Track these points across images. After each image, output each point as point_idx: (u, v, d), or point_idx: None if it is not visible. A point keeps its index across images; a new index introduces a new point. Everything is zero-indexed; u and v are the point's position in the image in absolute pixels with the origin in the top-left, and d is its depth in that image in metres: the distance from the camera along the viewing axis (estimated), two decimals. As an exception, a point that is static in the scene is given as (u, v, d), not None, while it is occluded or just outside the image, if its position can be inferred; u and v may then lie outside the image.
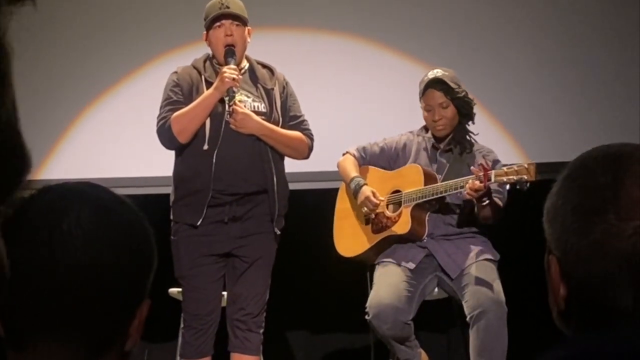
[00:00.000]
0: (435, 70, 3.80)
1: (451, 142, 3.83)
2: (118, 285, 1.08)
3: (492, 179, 3.45)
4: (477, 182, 3.45)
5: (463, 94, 3.77)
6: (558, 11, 4.86)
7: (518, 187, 3.41)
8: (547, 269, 1.12)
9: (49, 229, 1.06)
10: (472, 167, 3.54)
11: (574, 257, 1.06)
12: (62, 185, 1.13)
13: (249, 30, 3.64)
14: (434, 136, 3.86)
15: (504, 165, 3.53)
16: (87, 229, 1.07)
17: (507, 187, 3.49)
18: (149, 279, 1.13)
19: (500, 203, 3.65)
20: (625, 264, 1.03)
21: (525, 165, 3.39)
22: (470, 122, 3.83)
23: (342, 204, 4.04)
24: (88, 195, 1.11)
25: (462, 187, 3.56)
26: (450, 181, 3.65)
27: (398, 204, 3.81)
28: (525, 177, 3.37)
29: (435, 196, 3.68)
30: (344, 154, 3.99)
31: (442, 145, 3.85)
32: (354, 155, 3.94)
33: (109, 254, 1.07)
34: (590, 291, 1.06)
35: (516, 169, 3.41)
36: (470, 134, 3.84)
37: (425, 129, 3.91)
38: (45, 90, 4.92)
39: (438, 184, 3.70)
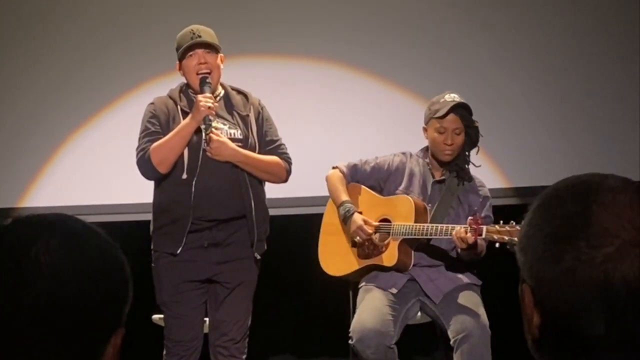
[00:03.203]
0: (452, 95, 3.77)
1: (448, 171, 3.81)
2: (88, 314, 1.07)
3: (484, 235, 3.44)
4: (468, 234, 3.45)
5: (477, 124, 3.77)
6: (540, 38, 4.90)
7: (508, 247, 3.39)
8: (521, 298, 1.12)
9: (18, 258, 1.06)
10: (469, 218, 3.51)
11: (547, 285, 1.07)
12: (33, 216, 1.13)
13: (221, 57, 3.67)
14: (432, 161, 3.84)
15: (497, 222, 3.49)
16: (55, 256, 1.06)
17: (497, 245, 3.47)
18: (123, 309, 1.12)
19: (484, 243, 3.61)
20: (597, 291, 1.04)
21: (518, 227, 3.35)
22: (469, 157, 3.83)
23: (329, 219, 3.98)
24: (58, 225, 1.11)
25: (451, 233, 3.53)
26: (440, 225, 3.62)
27: (386, 234, 3.78)
28: (517, 240, 3.34)
29: (423, 236, 3.68)
30: (333, 168, 3.95)
31: (436, 175, 3.84)
32: (343, 172, 3.90)
33: (78, 282, 1.07)
34: (563, 319, 1.06)
35: (508, 229, 3.38)
36: (470, 165, 3.82)
37: (424, 152, 3.89)
38: (29, 118, 4.93)
39: (428, 224, 3.67)
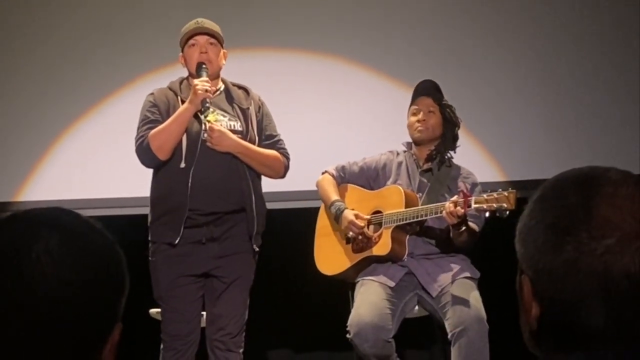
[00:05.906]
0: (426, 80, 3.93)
1: (432, 158, 3.86)
2: (88, 310, 1.08)
3: (472, 206, 3.47)
4: (458, 208, 3.48)
5: (452, 107, 3.87)
6: (538, 31, 4.90)
7: (498, 214, 3.41)
8: (519, 290, 1.13)
9: (18, 257, 1.06)
10: (457, 194, 3.55)
11: (547, 276, 1.07)
12: (30, 212, 1.13)
13: (224, 52, 3.67)
14: (417, 151, 3.88)
15: (484, 192, 3.54)
16: (56, 255, 1.06)
17: (487, 214, 3.50)
18: (121, 304, 1.13)
19: (476, 228, 3.66)
20: (597, 282, 1.04)
21: (505, 194, 3.39)
22: (453, 142, 3.88)
23: (323, 222, 4.04)
24: (57, 222, 1.11)
25: (442, 211, 3.55)
26: (431, 205, 3.65)
27: (378, 225, 3.81)
28: (505, 206, 3.38)
29: (416, 219, 3.69)
30: (322, 173, 4.00)
31: (423, 164, 3.87)
32: (333, 175, 3.95)
33: (78, 280, 1.07)
34: (563, 310, 1.07)
35: (496, 196, 3.41)
36: (450, 152, 3.87)
37: (409, 145, 3.94)
38: (25, 112, 4.92)
39: (419, 207, 3.70)
